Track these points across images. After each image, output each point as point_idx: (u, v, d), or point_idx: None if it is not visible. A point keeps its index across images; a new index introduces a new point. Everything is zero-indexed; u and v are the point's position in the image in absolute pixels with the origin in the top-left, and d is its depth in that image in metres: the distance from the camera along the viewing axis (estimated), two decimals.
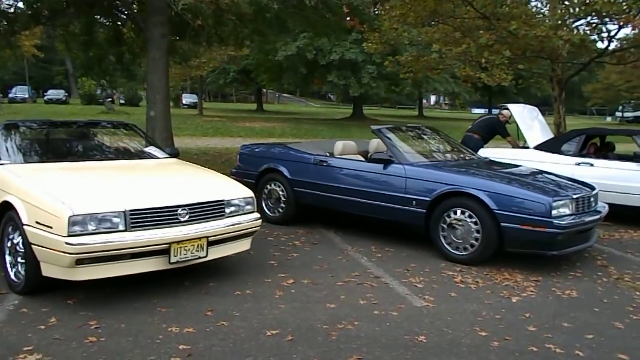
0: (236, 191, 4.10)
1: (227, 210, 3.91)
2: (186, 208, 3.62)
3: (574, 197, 4.59)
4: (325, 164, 5.74)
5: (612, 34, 9.54)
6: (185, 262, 3.61)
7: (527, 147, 7.55)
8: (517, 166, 5.92)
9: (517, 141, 8.27)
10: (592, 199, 4.86)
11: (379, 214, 5.29)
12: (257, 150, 6.52)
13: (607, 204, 6.52)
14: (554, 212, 4.36)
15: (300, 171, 5.90)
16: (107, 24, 10.92)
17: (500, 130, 8.53)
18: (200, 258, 3.68)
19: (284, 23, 11.22)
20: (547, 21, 8.77)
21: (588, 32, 9.12)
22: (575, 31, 8.59)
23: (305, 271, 4.40)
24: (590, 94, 60.14)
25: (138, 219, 3.39)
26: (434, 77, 22.32)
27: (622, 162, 6.68)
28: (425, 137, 6.22)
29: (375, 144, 6.01)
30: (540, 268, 4.65)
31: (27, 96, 41.66)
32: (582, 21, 9.72)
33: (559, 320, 3.55)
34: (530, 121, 7.92)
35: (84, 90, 40.97)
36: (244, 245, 4.14)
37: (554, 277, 4.48)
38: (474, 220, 4.63)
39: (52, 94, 42.75)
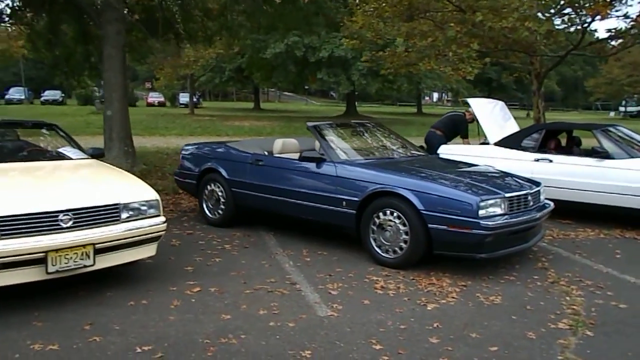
0: (137, 194, 3.85)
1: (124, 215, 3.67)
2: (69, 213, 3.38)
3: (507, 195, 4.31)
4: (261, 163, 5.48)
5: (585, 25, 9.21)
6: (67, 271, 3.37)
7: (487, 143, 7.27)
8: (463, 163, 5.65)
9: (478, 137, 7.98)
10: (530, 197, 4.56)
11: (312, 215, 5.03)
12: (197, 150, 6.26)
13: (566, 201, 6.28)
14: (482, 212, 4.09)
15: (237, 171, 5.66)
16: (72, 21, 10.70)
17: (462, 129, 8.24)
18: (85, 267, 3.44)
19: (253, 18, 10.99)
20: (516, 12, 8.42)
21: (559, 23, 8.81)
22: (543, 22, 8.23)
23: (219, 278, 4.16)
24: (593, 88, 59.48)
25: (9, 225, 3.16)
26: (418, 72, 21.95)
27: (581, 157, 6.38)
28: (368, 134, 5.94)
29: (335, 140, 5.71)
30: (473, 271, 4.38)
31: (22, 97, 41.62)
32: (556, 12, 9.42)
33: (468, 329, 3.28)
34: (492, 116, 7.62)
35: (79, 90, 40.94)
36: (146, 252, 3.89)
37: (484, 280, 4.21)
38: (402, 221, 4.37)
39: (48, 94, 42.81)
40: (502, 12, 8.89)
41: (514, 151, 6.80)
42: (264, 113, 37.55)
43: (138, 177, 8.64)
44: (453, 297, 3.83)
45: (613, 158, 6.05)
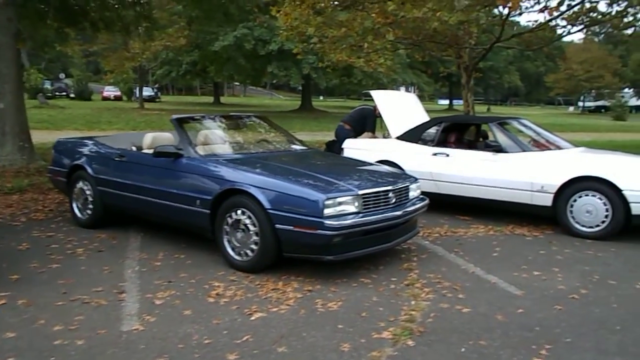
0: None
1: None
2: None
3: (360, 193, 4.01)
4: (123, 159, 5.08)
5: (504, 17, 9.05)
6: None
7: (390, 137, 7.01)
8: (340, 158, 5.38)
9: (382, 131, 7.71)
10: (393, 194, 4.26)
11: (169, 215, 4.67)
12: (68, 145, 5.82)
13: (461, 196, 6.08)
14: (328, 211, 3.78)
15: (102, 168, 5.25)
16: None
17: (368, 123, 7.96)
18: None
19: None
20: (431, 2, 8.17)
21: (481, 15, 8.60)
22: (455, 12, 7.98)
23: (40, 287, 3.75)
24: (552, 83, 60.47)
25: None
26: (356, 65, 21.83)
27: (476, 151, 6.17)
28: (243, 128, 5.60)
29: (203, 135, 5.35)
30: (328, 274, 4.07)
31: None
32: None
33: (280, 342, 2.96)
34: (396, 109, 7.35)
35: (29, 83, 39.42)
36: None
37: (336, 284, 3.91)
38: (252, 221, 4.04)
39: None
40: (419, 2, 8.65)
41: (414, 145, 6.56)
42: (222, 107, 36.94)
43: (32, 174, 8.24)
44: (288, 305, 3.51)
45: (506, 152, 5.85)
